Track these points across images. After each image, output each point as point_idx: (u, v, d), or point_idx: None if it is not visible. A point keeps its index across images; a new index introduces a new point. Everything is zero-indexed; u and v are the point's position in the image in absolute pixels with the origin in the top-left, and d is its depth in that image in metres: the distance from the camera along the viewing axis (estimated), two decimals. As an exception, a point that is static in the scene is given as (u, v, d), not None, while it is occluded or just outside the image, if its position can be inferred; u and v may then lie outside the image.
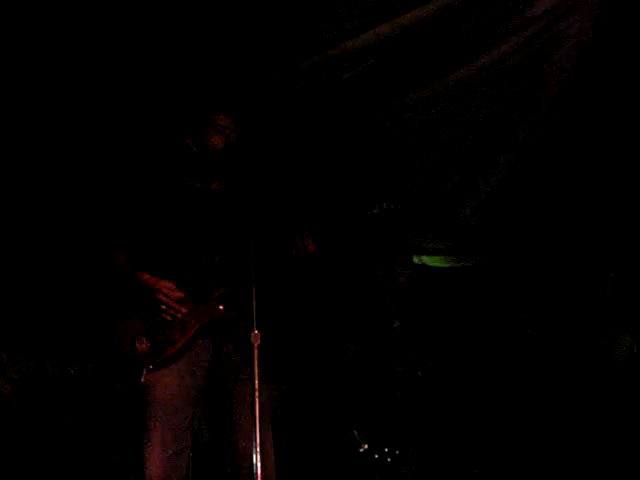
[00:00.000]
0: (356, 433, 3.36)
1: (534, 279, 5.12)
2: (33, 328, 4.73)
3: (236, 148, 2.85)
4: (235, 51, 3.64)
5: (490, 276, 5.33)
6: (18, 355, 5.49)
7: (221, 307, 2.67)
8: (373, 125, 4.26)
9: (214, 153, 2.87)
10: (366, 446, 3.32)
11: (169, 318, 2.62)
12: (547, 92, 4.12)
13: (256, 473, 2.23)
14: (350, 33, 3.56)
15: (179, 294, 2.64)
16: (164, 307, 2.61)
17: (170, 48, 3.52)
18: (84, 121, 3.86)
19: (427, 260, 5.21)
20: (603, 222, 4.89)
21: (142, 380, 2.52)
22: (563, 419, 4.67)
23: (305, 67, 3.69)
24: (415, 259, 4.17)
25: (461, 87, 4.03)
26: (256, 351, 2.34)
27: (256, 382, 2.30)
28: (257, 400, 2.27)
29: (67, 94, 3.68)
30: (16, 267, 4.84)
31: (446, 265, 5.39)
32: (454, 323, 5.00)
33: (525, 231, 5.09)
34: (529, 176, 4.67)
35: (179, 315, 2.61)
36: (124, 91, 3.72)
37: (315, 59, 3.65)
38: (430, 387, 3.63)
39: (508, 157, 4.53)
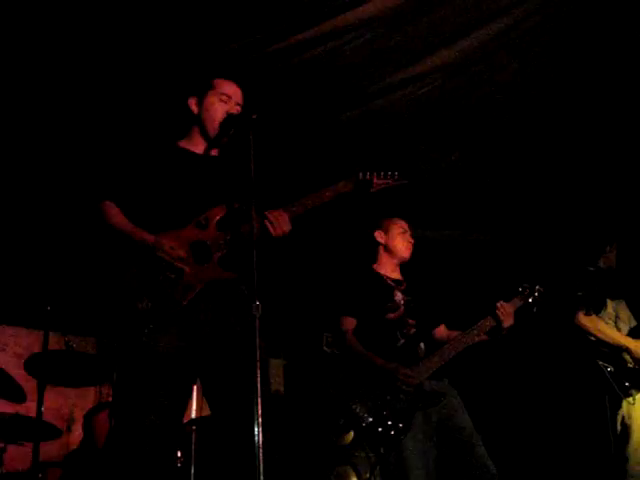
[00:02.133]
0: (358, 409, 3.35)
1: (533, 252, 5.12)
2: (35, 302, 4.72)
3: (236, 120, 2.80)
4: (233, 24, 3.59)
5: (492, 250, 5.33)
6: (22, 329, 5.52)
7: (222, 270, 2.62)
8: (367, 101, 4.24)
9: (212, 120, 2.83)
10: (371, 419, 3.31)
11: (172, 276, 2.55)
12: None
13: (258, 443, 2.22)
14: (345, 6, 3.51)
15: (181, 253, 2.57)
16: (165, 264, 2.54)
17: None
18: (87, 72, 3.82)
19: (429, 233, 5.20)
20: (602, 193, 4.88)
21: (144, 339, 2.47)
22: (562, 399, 4.68)
23: (299, 41, 3.65)
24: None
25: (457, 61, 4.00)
26: (257, 322, 2.32)
27: (257, 354, 2.29)
28: (258, 371, 2.26)
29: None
30: (15, 242, 4.84)
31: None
32: (457, 295, 4.99)
33: (525, 204, 5.09)
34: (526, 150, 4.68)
35: (182, 272, 2.54)
36: (130, 42, 3.66)
37: (309, 33, 3.61)
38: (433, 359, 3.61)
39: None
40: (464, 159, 4.82)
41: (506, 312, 3.60)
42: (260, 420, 2.22)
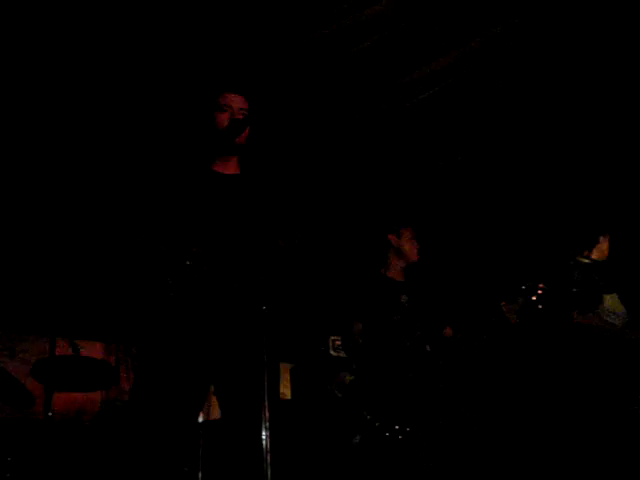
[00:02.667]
0: (365, 412, 3.35)
1: (535, 250, 5.11)
2: (43, 309, 4.75)
3: (243, 124, 2.83)
4: (246, 24, 3.61)
5: (495, 249, 5.34)
6: (29, 336, 5.54)
7: (236, 283, 2.66)
8: (382, 102, 4.25)
9: (220, 132, 2.86)
10: (378, 423, 3.31)
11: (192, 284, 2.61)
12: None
13: (266, 447, 2.23)
14: (362, 4, 3.52)
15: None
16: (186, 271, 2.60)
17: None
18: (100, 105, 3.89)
19: None
20: (594, 184, 4.89)
21: (157, 347, 2.52)
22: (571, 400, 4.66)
23: (316, 39, 3.66)
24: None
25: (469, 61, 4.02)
26: (265, 326, 2.34)
27: (265, 358, 2.30)
28: (266, 376, 2.28)
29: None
30: (24, 250, 4.87)
31: None
32: (462, 296, 4.99)
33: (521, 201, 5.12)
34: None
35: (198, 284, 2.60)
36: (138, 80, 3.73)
37: (326, 31, 3.63)
38: (439, 361, 3.61)
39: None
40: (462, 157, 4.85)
41: (510, 312, 3.60)
42: (267, 424, 2.24)
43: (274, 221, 2.65)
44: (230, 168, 2.96)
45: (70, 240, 4.82)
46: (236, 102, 2.94)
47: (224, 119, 2.88)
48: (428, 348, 3.68)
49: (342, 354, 5.33)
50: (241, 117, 2.87)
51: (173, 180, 2.88)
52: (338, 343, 5.38)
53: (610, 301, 4.35)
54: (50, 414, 4.09)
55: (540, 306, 3.72)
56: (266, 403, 2.25)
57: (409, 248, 3.97)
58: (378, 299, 3.75)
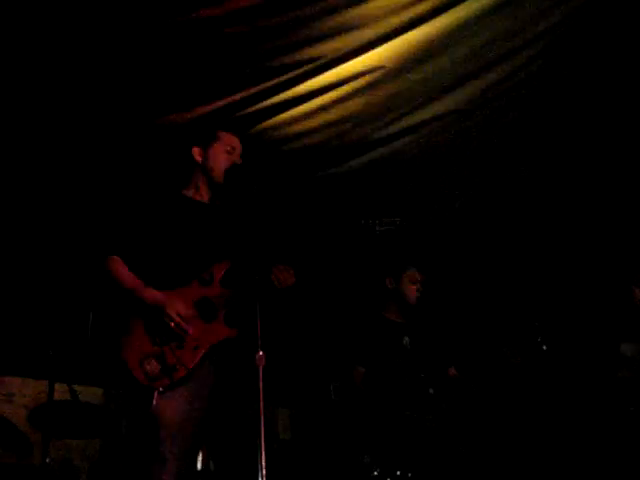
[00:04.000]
0: (366, 459, 3.31)
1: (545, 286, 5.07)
2: (42, 352, 4.71)
3: (239, 170, 2.85)
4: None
5: (500, 287, 5.29)
6: (28, 380, 5.49)
7: (228, 327, 2.64)
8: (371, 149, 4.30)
9: (219, 170, 2.86)
10: (379, 470, 3.27)
11: (182, 334, 2.55)
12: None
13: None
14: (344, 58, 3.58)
15: (191, 312, 2.59)
16: (174, 326, 2.55)
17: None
18: (85, 123, 3.88)
19: None
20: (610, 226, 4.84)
21: (154, 403, 2.45)
22: (574, 437, 4.57)
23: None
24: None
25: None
26: (261, 373, 2.32)
27: (261, 404, 2.28)
28: (262, 422, 2.25)
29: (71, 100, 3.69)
30: (22, 291, 4.86)
31: None
32: (465, 337, 4.95)
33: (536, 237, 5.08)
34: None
35: (190, 334, 2.55)
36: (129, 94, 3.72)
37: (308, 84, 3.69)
38: (442, 405, 3.58)
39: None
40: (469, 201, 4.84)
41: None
42: (264, 472, 2.21)
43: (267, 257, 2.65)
44: (206, 196, 2.93)
45: (67, 283, 4.81)
46: (239, 148, 2.94)
47: (228, 161, 2.87)
48: (431, 391, 3.65)
49: (344, 400, 5.30)
50: (238, 163, 2.89)
51: (151, 207, 2.83)
52: (340, 389, 5.35)
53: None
54: (48, 460, 4.03)
55: (545, 347, 3.69)
56: (262, 450, 2.22)
57: (408, 293, 3.95)
58: (379, 341, 3.74)
